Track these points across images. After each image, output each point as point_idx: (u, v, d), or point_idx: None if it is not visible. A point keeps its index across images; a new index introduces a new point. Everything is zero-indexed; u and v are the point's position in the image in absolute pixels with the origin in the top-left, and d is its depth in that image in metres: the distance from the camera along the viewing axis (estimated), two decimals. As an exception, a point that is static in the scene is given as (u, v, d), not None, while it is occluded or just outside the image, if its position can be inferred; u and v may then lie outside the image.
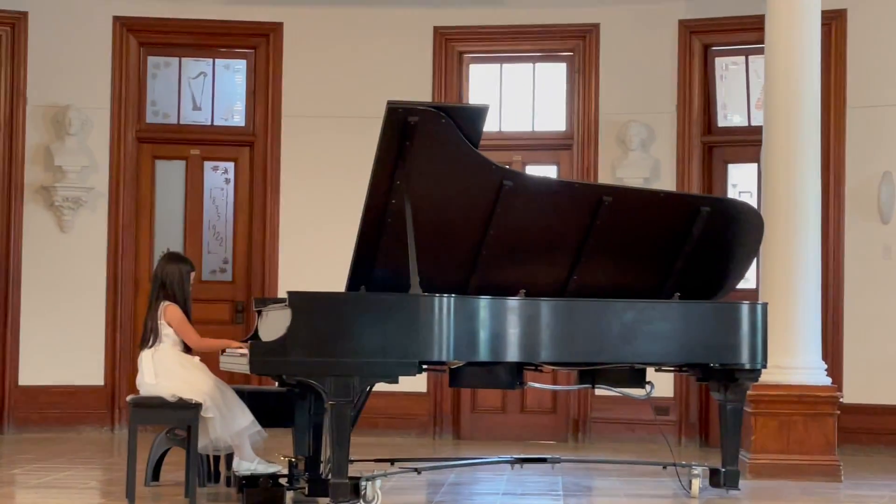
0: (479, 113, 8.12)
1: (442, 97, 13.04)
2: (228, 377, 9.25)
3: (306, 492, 8.24)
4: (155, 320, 8.35)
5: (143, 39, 13.25)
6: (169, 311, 8.33)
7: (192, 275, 8.54)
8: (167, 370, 8.27)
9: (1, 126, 12.84)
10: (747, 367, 8.77)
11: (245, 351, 7.98)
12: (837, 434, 9.96)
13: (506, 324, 8.07)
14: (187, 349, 8.41)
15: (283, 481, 8.31)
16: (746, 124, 12.79)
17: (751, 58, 12.68)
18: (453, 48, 13.24)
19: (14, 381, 12.76)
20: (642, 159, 12.81)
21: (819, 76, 10.23)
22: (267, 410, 8.59)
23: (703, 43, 12.84)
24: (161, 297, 8.38)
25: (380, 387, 8.07)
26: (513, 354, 8.13)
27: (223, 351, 8.70)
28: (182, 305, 8.37)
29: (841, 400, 10.06)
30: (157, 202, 13.32)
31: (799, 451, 9.87)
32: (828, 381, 10.12)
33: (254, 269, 13.22)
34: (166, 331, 8.33)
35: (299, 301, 7.80)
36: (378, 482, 7.95)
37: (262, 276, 13.14)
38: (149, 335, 8.35)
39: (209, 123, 13.48)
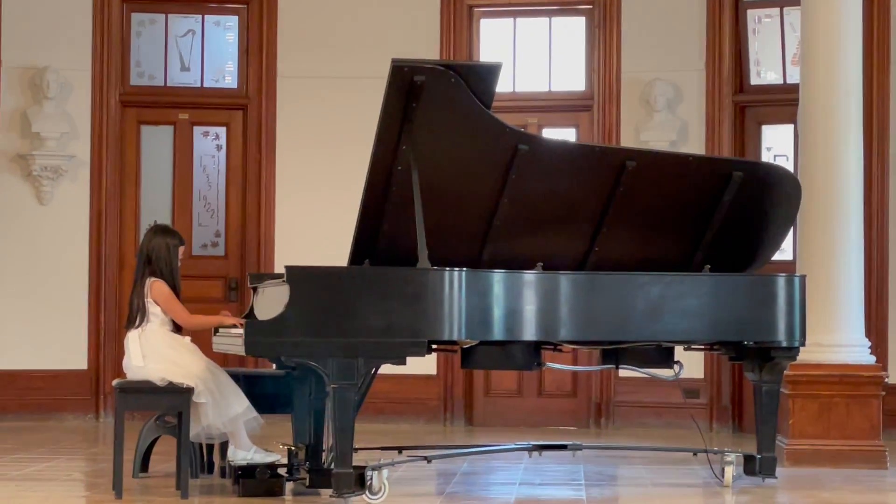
0: (491, 71, 8.12)
1: (451, 55, 13.02)
2: (222, 359, 9.28)
3: (307, 483, 8.25)
4: (142, 298, 8.36)
5: (126, -6, 13.26)
6: (155, 288, 8.33)
7: (181, 249, 8.53)
8: (155, 352, 8.28)
9: (-27, 90, 12.87)
10: (784, 344, 8.78)
11: (240, 329, 7.99)
12: (882, 417, 9.96)
13: (522, 299, 8.08)
14: (177, 328, 8.42)
15: (281, 471, 8.33)
16: (782, 82, 12.77)
17: (786, 9, 12.65)
18: (462, 2, 13.22)
19: (-10, 365, 12.81)
20: (668, 121, 12.80)
21: (861, 28, 10.21)
22: (264, 395, 8.61)
23: (734, -7, 12.84)
24: (147, 273, 8.39)
25: (386, 369, 8.09)
26: (529, 333, 8.15)
27: (216, 330, 8.72)
28: (170, 282, 8.37)
29: (886, 380, 10.06)
30: (142, 171, 13.32)
31: (841, 436, 9.88)
32: (872, 359, 10.12)
33: (248, 242, 13.23)
34: (154, 309, 8.34)
35: (298, 276, 7.81)
36: (385, 472, 7.96)
37: (258, 250, 13.16)
38: (135, 314, 8.36)
39: (198, 85, 13.47)
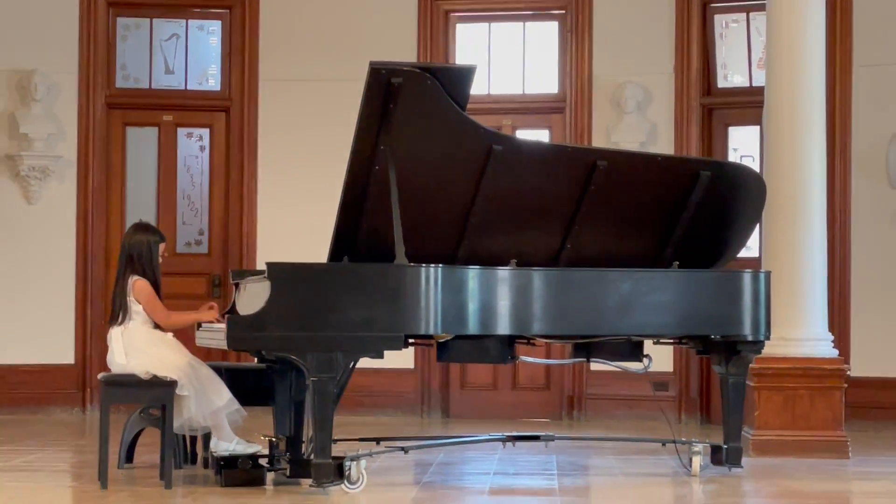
0: (466, 74, 8.12)
1: (427, 58, 13.02)
2: (205, 353, 9.26)
3: (288, 473, 8.24)
4: (124, 296, 8.32)
5: (112, -1, 13.22)
6: (138, 287, 8.29)
7: (162, 246, 8.48)
8: (137, 349, 8.25)
9: (-37, 92, 12.83)
10: (750, 338, 8.80)
11: (223, 325, 7.98)
12: (845, 409, 9.98)
13: (496, 295, 8.08)
14: (159, 325, 8.39)
15: (263, 462, 8.31)
16: (748, 85, 12.79)
17: (752, 15, 12.67)
18: (439, 6, 13.22)
19: (-21, 360, 12.77)
20: (638, 122, 12.81)
21: (824, 33, 10.22)
22: (246, 388, 8.58)
23: (702, 0, 12.82)
24: (129, 270, 8.35)
25: (364, 363, 8.08)
26: (504, 327, 8.15)
27: (199, 325, 8.70)
28: (151, 278, 8.33)
29: (848, 373, 10.08)
30: (128, 171, 13.29)
31: (804, 427, 9.89)
32: (834, 353, 10.13)
33: (231, 240, 13.21)
34: (136, 307, 8.30)
35: (279, 273, 7.81)
36: (363, 462, 7.96)
37: (240, 247, 13.14)
38: (118, 311, 8.33)
39: (182, 88, 13.45)
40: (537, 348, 10.23)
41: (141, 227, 8.55)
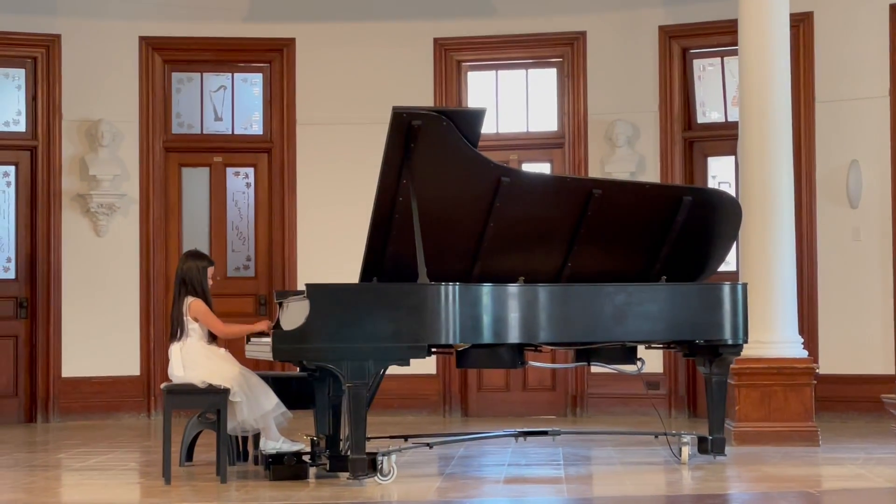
0: (477, 115, 8.13)
1: (443, 102, 13.03)
2: (254, 364, 9.27)
3: (328, 468, 8.24)
4: (180, 315, 8.33)
5: (167, 57, 13.25)
6: (194, 306, 8.31)
7: (211, 270, 8.49)
8: (194, 362, 8.26)
9: (40, 140, 12.85)
10: (730, 342, 8.77)
11: (269, 339, 7.99)
12: (814, 402, 9.94)
13: (507, 308, 8.07)
14: (212, 338, 8.40)
15: (306, 458, 8.31)
16: (723, 120, 12.77)
17: (726, 59, 12.66)
18: (452, 57, 13.23)
19: (58, 373, 12.76)
20: (628, 155, 12.79)
21: (789, 74, 10.21)
22: (290, 393, 8.59)
23: (681, 46, 12.83)
24: (183, 292, 8.36)
25: (392, 369, 8.08)
26: (514, 336, 8.14)
27: (248, 339, 8.71)
28: (203, 298, 8.35)
29: (817, 371, 10.04)
30: (183, 206, 13.31)
31: (779, 419, 9.86)
32: (804, 353, 10.10)
33: (274, 264, 13.22)
34: (192, 325, 8.32)
35: (317, 293, 7.81)
36: (393, 457, 7.95)
37: (283, 270, 13.14)
38: (176, 329, 8.35)
39: (230, 132, 13.47)
40: (544, 354, 10.24)
41: (192, 255, 8.56)
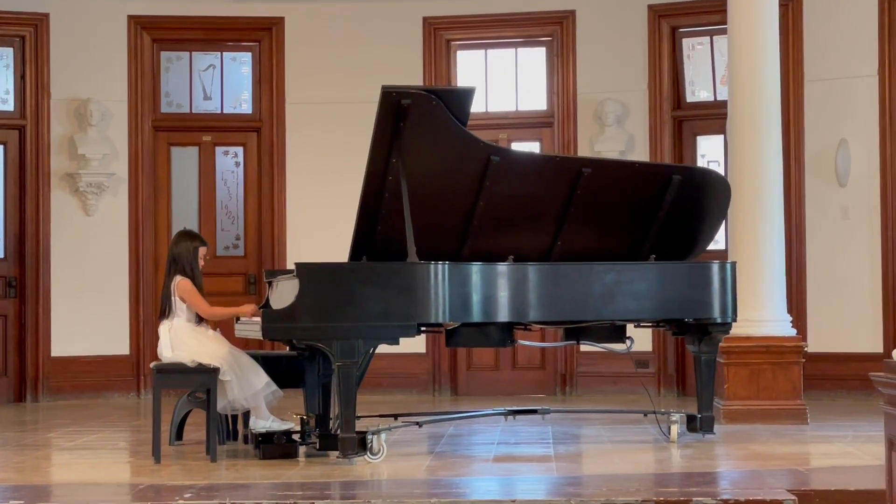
0: (466, 95, 8.11)
1: (432, 81, 13.01)
2: (244, 344, 9.28)
3: (317, 446, 8.24)
4: (169, 295, 8.33)
5: (156, 36, 13.21)
6: (181, 286, 8.30)
7: (203, 250, 8.48)
8: (181, 342, 8.25)
9: (28, 119, 12.82)
10: (719, 321, 8.79)
11: (258, 318, 7.98)
12: (803, 380, 9.96)
13: (496, 287, 8.07)
14: (200, 319, 8.38)
15: (295, 437, 8.31)
16: (712, 99, 12.77)
17: (715, 38, 12.65)
18: (441, 36, 13.21)
19: (47, 352, 12.75)
20: (618, 134, 12.79)
21: (778, 53, 10.20)
22: (279, 373, 8.58)
23: (670, 25, 12.81)
24: (174, 272, 8.36)
25: (382, 348, 8.09)
26: (503, 315, 8.14)
27: (237, 319, 8.70)
28: (192, 279, 8.33)
29: (805, 349, 10.06)
30: (172, 185, 13.29)
31: (768, 397, 9.87)
32: (793, 332, 10.11)
33: (263, 243, 13.21)
34: (180, 305, 8.31)
35: (306, 271, 7.80)
36: (383, 435, 7.96)
37: (272, 249, 13.13)
38: (165, 307, 8.35)
39: (219, 112, 13.44)
40: (533, 333, 10.26)
41: (184, 234, 8.56)
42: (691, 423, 9.00)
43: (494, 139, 11.94)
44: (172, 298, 8.30)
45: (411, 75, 12.88)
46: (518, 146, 12.94)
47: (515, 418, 9.28)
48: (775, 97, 10.10)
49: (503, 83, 13.37)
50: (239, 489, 6.96)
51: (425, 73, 13.12)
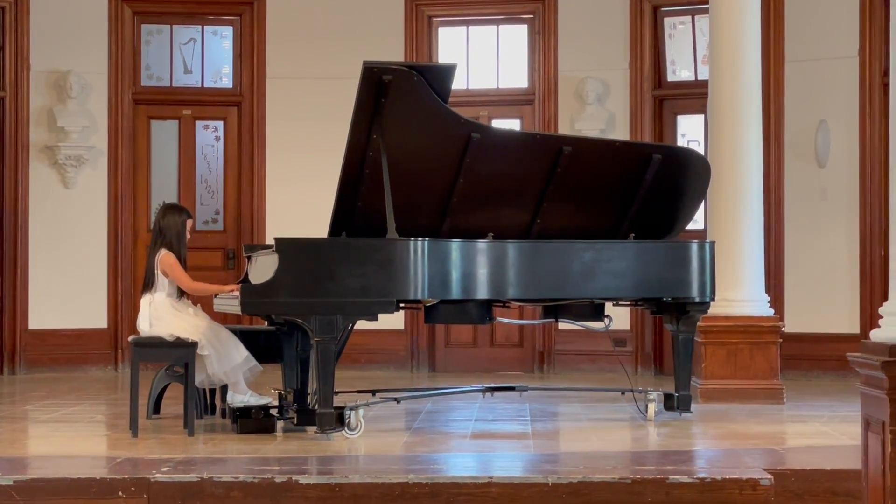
0: (448, 71, 8.10)
1: (413, 57, 12.97)
2: (222, 318, 9.25)
3: (295, 421, 8.24)
4: (152, 268, 8.31)
5: (136, 8, 13.14)
6: (164, 260, 8.27)
7: (190, 223, 8.47)
8: (160, 318, 8.23)
9: (7, 91, 12.75)
10: (697, 300, 8.81)
11: (237, 293, 7.96)
12: (780, 360, 9.99)
13: (475, 264, 8.07)
14: (182, 293, 8.35)
15: (273, 412, 8.30)
16: (693, 79, 12.77)
17: (696, 17, 12.65)
18: (423, 12, 13.17)
19: (24, 325, 12.72)
20: (598, 112, 12.79)
21: (759, 33, 10.22)
22: (257, 348, 8.57)
23: (652, 4, 12.80)
24: (159, 244, 8.33)
25: (361, 324, 8.08)
26: (482, 292, 8.14)
27: (216, 294, 8.68)
28: (177, 252, 8.31)
29: (783, 329, 10.09)
30: (152, 159, 13.24)
31: (745, 377, 9.90)
32: (770, 312, 10.15)
33: (243, 218, 13.18)
34: (161, 280, 8.28)
35: (285, 246, 7.79)
36: (361, 411, 7.96)
37: (251, 224, 13.11)
38: (149, 280, 8.33)
39: (199, 85, 13.39)
40: (512, 310, 10.27)
41: (171, 207, 8.53)
42: (668, 402, 9.02)
43: (475, 116, 11.91)
44: (155, 272, 8.27)
45: (393, 51, 12.85)
46: (499, 123, 12.92)
47: (493, 395, 9.30)
48: (756, 77, 10.12)
49: (484, 60, 13.35)
50: (216, 463, 6.96)
51: (407, 49, 13.09)
